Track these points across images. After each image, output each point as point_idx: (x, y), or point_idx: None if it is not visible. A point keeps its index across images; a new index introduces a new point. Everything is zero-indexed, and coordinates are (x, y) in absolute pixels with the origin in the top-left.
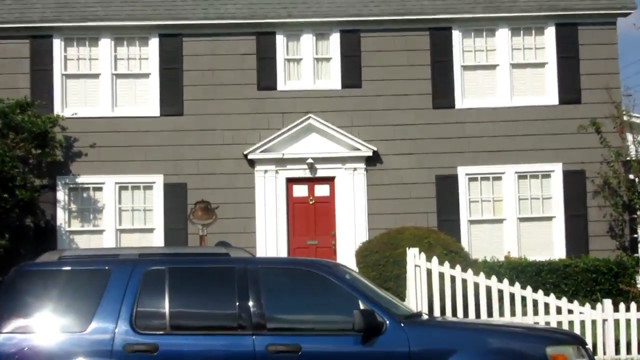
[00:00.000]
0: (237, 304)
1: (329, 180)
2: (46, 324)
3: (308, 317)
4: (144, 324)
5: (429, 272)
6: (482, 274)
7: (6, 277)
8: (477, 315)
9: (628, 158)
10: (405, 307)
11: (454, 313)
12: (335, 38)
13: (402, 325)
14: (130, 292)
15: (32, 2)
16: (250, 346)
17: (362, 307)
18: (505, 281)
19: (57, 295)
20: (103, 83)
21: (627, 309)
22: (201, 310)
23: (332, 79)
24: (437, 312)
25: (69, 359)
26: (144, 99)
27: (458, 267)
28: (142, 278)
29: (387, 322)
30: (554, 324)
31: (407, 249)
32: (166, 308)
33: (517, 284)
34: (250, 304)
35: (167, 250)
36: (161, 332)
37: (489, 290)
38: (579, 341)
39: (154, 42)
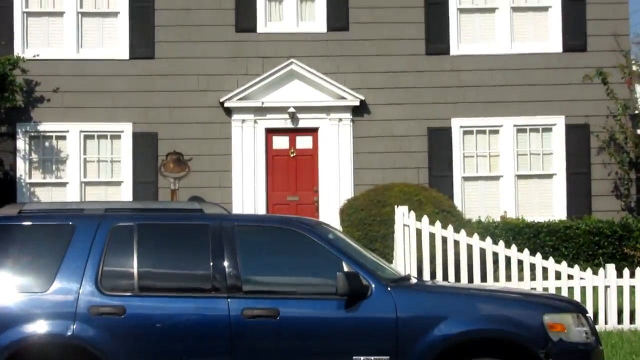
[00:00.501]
0: (211, 264)
1: (312, 131)
2: (4, 283)
3: (287, 280)
4: (110, 284)
5: (419, 233)
6: (476, 235)
7: None
8: (470, 279)
9: (636, 112)
10: (393, 270)
11: (445, 277)
12: None
13: (389, 289)
14: (96, 250)
15: None
16: (224, 310)
17: (345, 269)
18: (501, 243)
19: (16, 252)
20: (67, 22)
21: (632, 275)
22: (172, 270)
23: (317, 20)
24: (426, 276)
25: (28, 322)
26: (111, 40)
27: (450, 228)
28: (108, 235)
29: (373, 285)
30: (552, 290)
31: (396, 207)
32: (134, 268)
33: (514, 247)
34: (225, 264)
35: (136, 205)
36: (129, 294)
37: (483, 252)
38: (579, 309)
39: None
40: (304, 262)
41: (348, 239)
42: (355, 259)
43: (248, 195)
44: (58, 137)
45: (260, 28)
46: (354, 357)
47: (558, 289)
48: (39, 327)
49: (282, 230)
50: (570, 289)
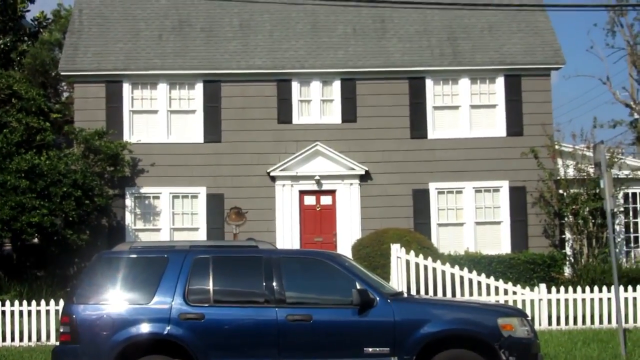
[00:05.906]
0: (264, 284)
1: (332, 192)
2: (119, 297)
3: (317, 294)
4: (194, 298)
5: (407, 262)
6: (447, 264)
7: (89, 262)
8: (444, 294)
9: (558, 177)
10: (391, 287)
11: (426, 293)
12: (336, 84)
13: (389, 301)
14: (184, 274)
15: (107, 55)
16: (273, 316)
17: (358, 287)
18: (465, 269)
19: (128, 276)
20: (160, 117)
21: (557, 291)
22: (237, 288)
23: (334, 115)
24: (413, 292)
25: (136, 324)
26: (191, 129)
27: (429, 259)
28: (192, 263)
29: (378, 298)
30: (502, 302)
31: (391, 244)
32: (210, 286)
33: (474, 272)
34: (274, 284)
35: (211, 243)
36: (207, 305)
37: (452, 276)
38: (522, 314)
39: (199, 87)
40: (329, 282)
41: (359, 266)
42: (365, 279)
43: (287, 236)
44: (154, 197)
45: (295, 120)
46: (365, 349)
47: (506, 301)
48: (144, 328)
49: (313, 260)
50: (514, 301)
